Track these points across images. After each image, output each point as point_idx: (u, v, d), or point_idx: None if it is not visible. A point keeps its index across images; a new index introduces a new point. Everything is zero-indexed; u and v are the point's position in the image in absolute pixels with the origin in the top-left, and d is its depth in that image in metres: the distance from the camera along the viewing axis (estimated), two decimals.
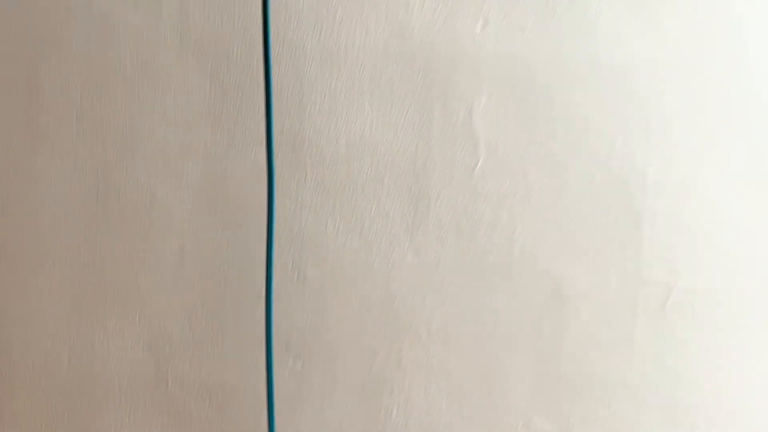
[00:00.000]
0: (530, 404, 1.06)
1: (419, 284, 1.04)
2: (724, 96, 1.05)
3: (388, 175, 1.02)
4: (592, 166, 1.04)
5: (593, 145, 1.04)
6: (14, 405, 1.01)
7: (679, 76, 1.05)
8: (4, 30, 0.98)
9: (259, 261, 1.00)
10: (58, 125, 0.99)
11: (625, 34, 1.03)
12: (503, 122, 1.03)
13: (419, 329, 1.04)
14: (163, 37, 0.98)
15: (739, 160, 1.07)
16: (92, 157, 0.99)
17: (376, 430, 1.05)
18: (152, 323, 1.01)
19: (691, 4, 1.04)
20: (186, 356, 1.02)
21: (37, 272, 1.00)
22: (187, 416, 1.02)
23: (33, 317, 1.01)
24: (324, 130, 1.01)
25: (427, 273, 1.04)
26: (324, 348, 1.03)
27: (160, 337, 1.01)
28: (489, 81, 1.02)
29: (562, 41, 1.02)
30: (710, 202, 1.07)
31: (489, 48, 1.02)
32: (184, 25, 0.98)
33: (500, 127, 1.03)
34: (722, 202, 1.07)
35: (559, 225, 1.05)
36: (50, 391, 1.01)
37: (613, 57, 1.03)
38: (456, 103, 1.02)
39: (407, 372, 1.04)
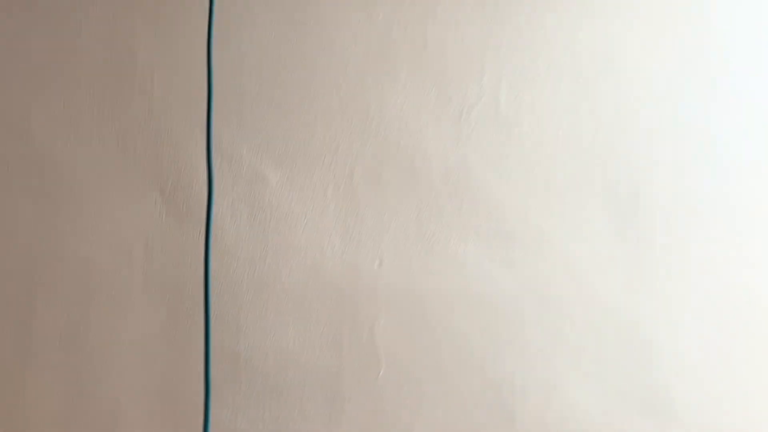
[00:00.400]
0: None
1: None
2: (569, 318, 1.30)
3: (308, 382, 1.21)
4: (470, 373, 1.26)
5: (470, 355, 1.26)
6: None
7: (530, 302, 1.29)
8: (7, 269, 1.16)
9: None
10: (45, 348, 1.15)
11: (488, 269, 1.29)
12: (399, 338, 1.25)
13: None
14: (131, 277, 1.18)
15: (589, 363, 1.29)
16: (71, 373, 1.15)
17: None
18: None
19: (541, 244, 1.30)
20: None
21: None
22: None
23: None
24: (256, 347, 1.20)
25: None
26: None
27: None
28: (386, 306, 1.25)
29: (440, 275, 1.27)
30: (567, 401, 1.27)
31: (384, 280, 1.26)
32: (148, 267, 1.19)
33: (397, 342, 1.25)
34: (577, 401, 1.27)
35: (448, 422, 1.24)
36: None
37: (482, 287, 1.28)
38: (360, 323, 1.24)
39: None
